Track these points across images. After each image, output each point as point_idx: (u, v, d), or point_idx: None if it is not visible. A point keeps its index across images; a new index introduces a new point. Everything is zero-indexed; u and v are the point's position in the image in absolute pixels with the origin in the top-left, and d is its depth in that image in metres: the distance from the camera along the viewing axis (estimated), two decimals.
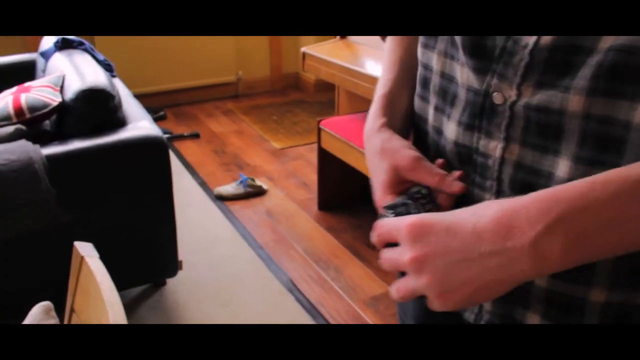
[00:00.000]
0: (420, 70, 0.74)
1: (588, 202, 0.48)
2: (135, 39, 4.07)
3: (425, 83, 0.73)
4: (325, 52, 2.99)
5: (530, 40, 0.56)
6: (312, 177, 3.22)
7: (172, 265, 2.18)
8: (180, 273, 2.25)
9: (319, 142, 2.80)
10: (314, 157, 3.34)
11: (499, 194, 0.63)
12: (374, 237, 0.59)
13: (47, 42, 2.69)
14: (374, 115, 0.75)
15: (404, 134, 0.73)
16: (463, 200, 0.65)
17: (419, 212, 0.62)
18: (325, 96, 4.59)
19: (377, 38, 2.95)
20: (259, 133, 3.95)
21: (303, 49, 3.06)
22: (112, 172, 1.92)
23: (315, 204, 2.98)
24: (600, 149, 0.54)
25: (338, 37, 3.22)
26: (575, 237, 0.48)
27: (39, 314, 0.89)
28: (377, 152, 0.70)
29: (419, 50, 0.74)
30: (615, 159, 0.53)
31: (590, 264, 0.58)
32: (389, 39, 0.82)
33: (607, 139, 0.54)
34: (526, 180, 0.59)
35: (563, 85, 0.55)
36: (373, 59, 2.83)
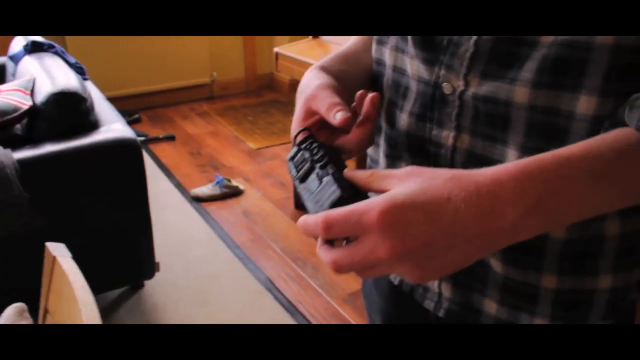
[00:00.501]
0: (374, 66, 0.75)
1: (564, 181, 0.48)
2: (109, 42, 4.04)
3: (378, 78, 0.74)
4: (298, 51, 3.00)
5: None
6: (288, 176, 3.22)
7: (149, 267, 2.18)
8: (157, 275, 2.24)
9: None
10: None
11: None
12: (321, 231, 0.49)
13: (17, 45, 2.66)
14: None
15: (343, 80, 0.70)
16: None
17: (311, 162, 0.59)
18: None
19: (350, 37, 2.97)
20: (234, 134, 3.95)
21: (276, 49, 3.07)
22: (86, 175, 1.91)
23: (291, 203, 2.99)
24: (546, 139, 0.56)
25: (310, 36, 3.24)
26: (551, 214, 0.49)
27: (12, 315, 0.88)
28: (299, 90, 0.68)
29: (373, 47, 0.75)
30: (559, 146, 0.54)
31: (540, 252, 0.61)
32: None
33: (551, 129, 0.56)
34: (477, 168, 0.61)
35: (509, 77, 0.57)
36: None
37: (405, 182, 0.49)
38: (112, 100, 2.46)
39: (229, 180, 3.12)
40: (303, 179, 0.60)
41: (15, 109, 1.90)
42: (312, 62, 2.80)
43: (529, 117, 0.57)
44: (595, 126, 0.54)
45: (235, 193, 3.11)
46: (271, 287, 2.36)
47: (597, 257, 0.61)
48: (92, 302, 0.79)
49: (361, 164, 2.46)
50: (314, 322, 2.16)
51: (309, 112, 0.64)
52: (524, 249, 0.61)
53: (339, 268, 0.49)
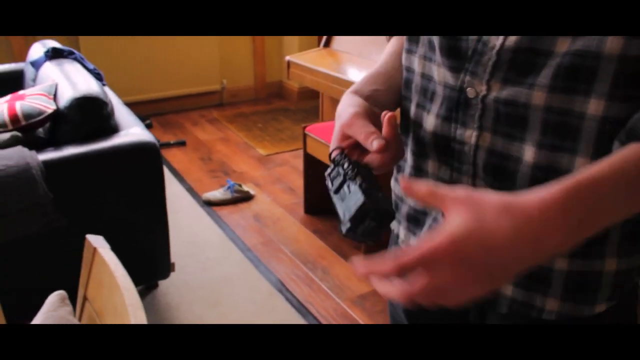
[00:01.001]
0: (403, 73, 0.83)
1: (599, 200, 0.56)
2: (121, 49, 4.12)
3: (408, 84, 0.82)
4: (309, 60, 3.07)
5: (497, 42, 0.66)
6: (298, 182, 3.29)
7: (164, 267, 2.24)
8: (171, 275, 2.30)
9: (304, 147, 2.87)
10: (298, 163, 3.41)
11: (474, 177, 0.72)
12: (395, 272, 0.55)
13: (36, 51, 2.74)
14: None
15: (375, 100, 0.80)
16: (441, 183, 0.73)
17: (344, 176, 0.70)
18: (308, 104, 4.68)
19: (359, 46, 3.04)
20: (244, 140, 4.02)
21: (288, 58, 3.14)
22: (107, 177, 1.98)
23: (301, 208, 3.05)
24: (560, 136, 0.64)
25: (321, 45, 3.31)
26: (589, 227, 0.56)
27: (55, 302, 0.95)
28: (337, 115, 0.77)
29: (403, 56, 0.83)
30: (572, 144, 0.63)
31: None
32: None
33: (565, 128, 0.64)
34: (498, 164, 0.69)
35: (528, 83, 0.64)
36: (356, 66, 2.92)
37: (462, 213, 0.55)
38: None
39: (240, 185, 3.19)
40: (337, 190, 0.71)
41: (40, 113, 1.97)
42: (322, 70, 2.87)
43: (545, 118, 0.64)
44: (603, 125, 0.62)
45: (246, 198, 3.18)
46: (282, 289, 2.42)
47: (603, 242, 0.69)
48: (134, 288, 0.85)
49: None
50: (324, 322, 2.22)
51: (344, 137, 0.74)
52: None
53: (415, 300, 0.56)
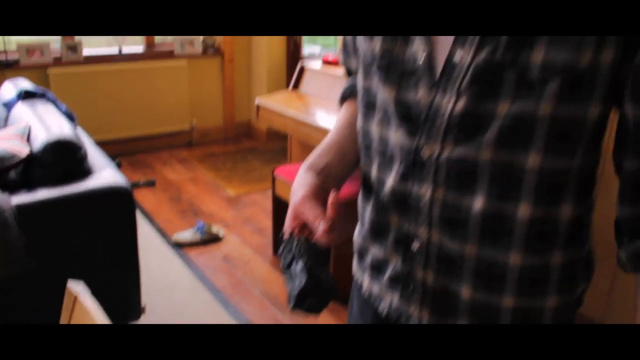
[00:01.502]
0: (361, 137, 0.90)
1: None
2: (91, 87, 4.15)
3: (368, 147, 0.89)
4: (278, 102, 3.16)
5: (448, 108, 0.74)
6: (266, 223, 3.34)
7: (135, 309, 2.25)
8: (142, 317, 2.31)
9: (273, 189, 2.93)
10: (267, 204, 3.46)
11: (430, 227, 0.80)
12: None
13: (7, 90, 2.75)
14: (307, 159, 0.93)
15: (328, 172, 0.88)
16: (400, 237, 0.82)
17: (293, 255, 0.80)
18: (276, 144, 4.76)
19: (326, 90, 3.14)
20: (213, 180, 4.06)
21: (257, 101, 3.22)
22: (79, 220, 1.99)
23: (270, 249, 3.09)
24: (505, 187, 0.73)
25: (290, 88, 3.40)
26: None
27: None
28: (292, 191, 0.86)
29: (360, 122, 0.90)
30: (516, 193, 0.73)
31: (501, 279, 0.77)
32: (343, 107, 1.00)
33: (509, 180, 0.73)
34: (451, 216, 0.77)
35: (476, 142, 0.73)
36: (323, 109, 3.01)
37: None
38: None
39: (210, 226, 3.22)
40: (287, 267, 0.81)
41: (13, 156, 1.99)
42: (290, 113, 2.95)
43: (491, 172, 0.73)
44: (541, 176, 0.72)
45: (216, 239, 3.21)
46: None
47: (546, 281, 0.79)
48: None
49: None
50: None
51: (296, 215, 0.82)
52: (489, 277, 0.77)
53: None
